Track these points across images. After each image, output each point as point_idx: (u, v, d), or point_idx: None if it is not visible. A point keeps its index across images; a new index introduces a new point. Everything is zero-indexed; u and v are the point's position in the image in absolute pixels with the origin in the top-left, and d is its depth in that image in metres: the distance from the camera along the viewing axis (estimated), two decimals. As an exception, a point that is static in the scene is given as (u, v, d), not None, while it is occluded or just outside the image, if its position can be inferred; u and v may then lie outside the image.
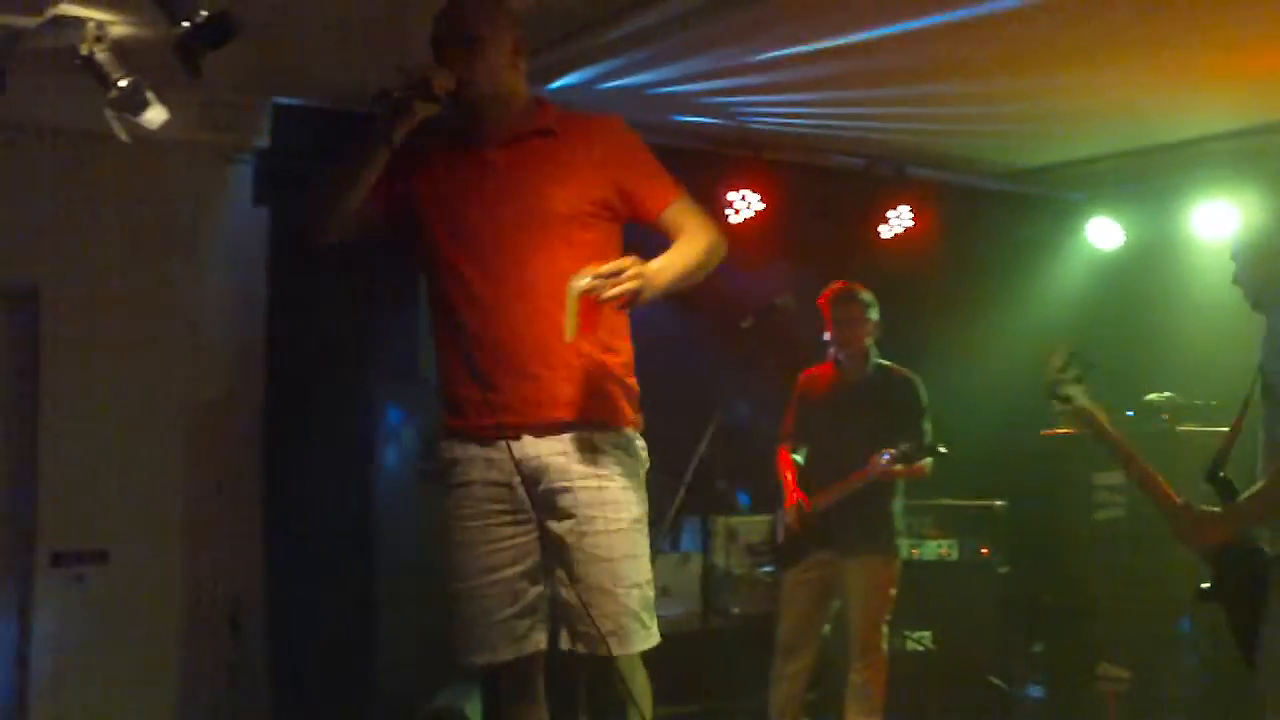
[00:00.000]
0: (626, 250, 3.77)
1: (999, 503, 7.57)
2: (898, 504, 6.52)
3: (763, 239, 7.40)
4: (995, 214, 8.16)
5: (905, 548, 6.73)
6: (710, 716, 6.23)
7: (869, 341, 6.53)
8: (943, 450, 6.31)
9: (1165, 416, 7.45)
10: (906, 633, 7.24)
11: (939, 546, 7.54)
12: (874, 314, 6.53)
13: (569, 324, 3.52)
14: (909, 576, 6.90)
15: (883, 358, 6.58)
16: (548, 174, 3.79)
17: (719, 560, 7.25)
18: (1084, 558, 7.09)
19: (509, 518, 3.79)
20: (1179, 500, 4.36)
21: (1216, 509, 4.30)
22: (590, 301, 3.50)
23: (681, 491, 5.90)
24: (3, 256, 6.07)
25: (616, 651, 3.71)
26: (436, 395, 3.93)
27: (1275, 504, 4.11)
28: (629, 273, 3.51)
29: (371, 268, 5.85)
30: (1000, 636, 7.52)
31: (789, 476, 6.58)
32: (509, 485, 3.77)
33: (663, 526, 5.41)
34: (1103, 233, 8.38)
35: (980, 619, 7.39)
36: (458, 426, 3.83)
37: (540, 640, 3.83)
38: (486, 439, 3.77)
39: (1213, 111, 6.87)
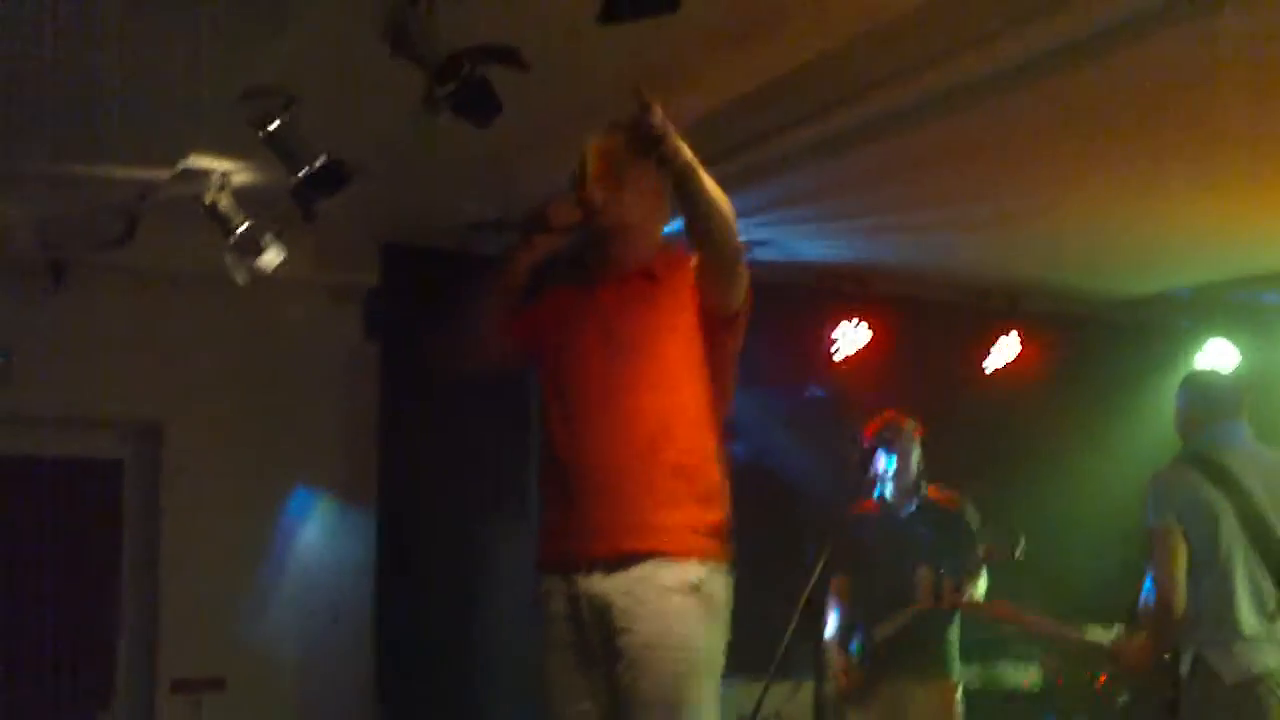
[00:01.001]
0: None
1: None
2: (954, 631, 6.46)
3: (868, 373, 7.43)
4: (1104, 343, 8.10)
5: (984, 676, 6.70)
6: None
7: (916, 472, 6.51)
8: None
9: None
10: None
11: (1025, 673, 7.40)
12: (918, 445, 6.49)
13: (587, 181, 3.66)
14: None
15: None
16: (648, 322, 3.78)
17: (831, 687, 7.15)
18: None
19: (582, 655, 3.76)
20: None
21: None
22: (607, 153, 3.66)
23: (795, 618, 5.88)
24: (131, 393, 6.35)
25: None
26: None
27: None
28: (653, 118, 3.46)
29: (482, 406, 5.97)
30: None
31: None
32: (580, 622, 3.75)
33: (777, 653, 5.38)
34: (1217, 357, 8.27)
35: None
36: (543, 557, 3.81)
37: None
38: (566, 572, 3.77)
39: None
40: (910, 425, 6.49)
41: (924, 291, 7.84)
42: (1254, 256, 7.25)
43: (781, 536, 6.83)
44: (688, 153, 3.50)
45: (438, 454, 6.44)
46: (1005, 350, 7.90)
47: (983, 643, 7.16)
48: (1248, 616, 4.83)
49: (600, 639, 3.63)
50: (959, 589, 6.23)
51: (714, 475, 3.79)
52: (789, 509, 7.20)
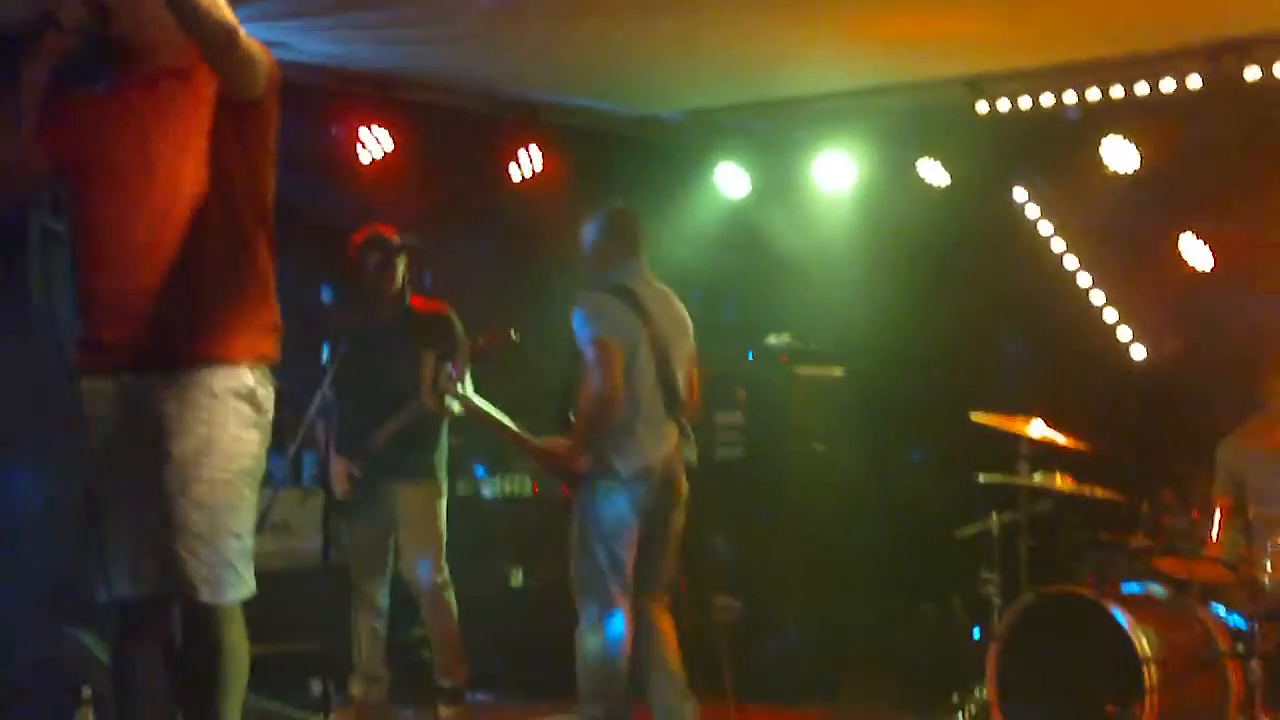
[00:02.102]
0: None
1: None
2: (444, 439, 6.69)
3: (393, 180, 7.39)
4: (626, 160, 8.30)
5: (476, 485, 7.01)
6: (329, 653, 6.23)
7: (400, 282, 6.60)
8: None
9: (783, 359, 7.78)
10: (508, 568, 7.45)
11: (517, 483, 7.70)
12: (401, 255, 6.57)
13: None
14: (501, 513, 7.12)
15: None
16: (178, 127, 3.70)
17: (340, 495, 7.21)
18: (701, 495, 7.34)
19: (132, 454, 3.71)
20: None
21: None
22: None
23: (303, 427, 5.88)
24: None
25: (208, 600, 3.68)
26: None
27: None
28: None
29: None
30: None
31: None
32: (131, 422, 3.70)
33: (284, 460, 5.37)
34: (730, 180, 8.61)
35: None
36: (86, 360, 3.73)
37: (164, 583, 3.71)
38: (110, 373, 3.70)
39: (836, 69, 7.19)
40: (398, 238, 6.56)
41: (447, 99, 7.81)
42: (773, 83, 7.53)
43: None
44: None
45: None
46: (529, 162, 8.00)
47: (472, 453, 7.36)
48: (646, 424, 5.58)
49: (149, 442, 3.64)
50: (452, 379, 6.35)
51: (258, 278, 3.80)
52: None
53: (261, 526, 5.76)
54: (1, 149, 3.64)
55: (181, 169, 3.68)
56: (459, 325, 6.61)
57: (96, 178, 3.70)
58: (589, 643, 5.64)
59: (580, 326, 5.61)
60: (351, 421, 6.51)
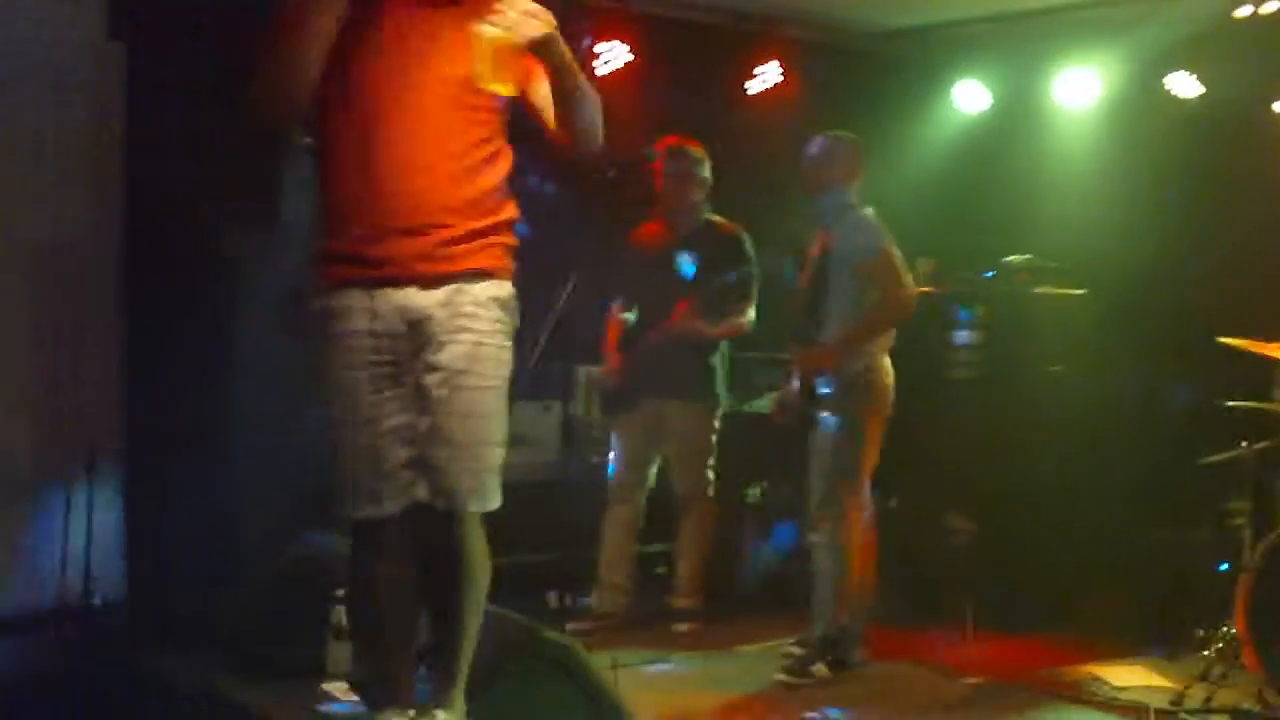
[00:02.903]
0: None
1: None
2: (717, 357, 6.74)
3: (629, 93, 7.36)
4: (864, 76, 8.16)
5: (733, 401, 7.00)
6: (566, 565, 6.32)
7: (699, 197, 6.62)
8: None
9: (1023, 278, 7.59)
10: (745, 486, 7.42)
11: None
12: (704, 170, 6.64)
13: (482, 71, 3.68)
14: (746, 430, 7.08)
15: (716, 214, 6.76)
16: (450, 37, 3.76)
17: (579, 409, 7.29)
18: (936, 415, 7.22)
19: (392, 369, 3.78)
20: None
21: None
22: (503, 48, 3.66)
23: (543, 339, 5.94)
24: None
25: (474, 508, 3.78)
26: (316, 246, 3.88)
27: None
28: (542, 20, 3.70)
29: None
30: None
31: (610, 335, 6.79)
32: (391, 336, 3.76)
33: (525, 371, 5.45)
34: (968, 96, 8.44)
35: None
36: (341, 275, 3.79)
37: (420, 493, 3.79)
38: (371, 288, 3.76)
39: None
40: (697, 151, 6.64)
41: (685, 13, 7.75)
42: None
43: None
44: (570, 56, 3.81)
45: (188, 165, 6.17)
46: (766, 76, 7.91)
47: (743, 370, 7.33)
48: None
49: (411, 353, 3.74)
50: (730, 313, 6.53)
51: (508, 192, 3.90)
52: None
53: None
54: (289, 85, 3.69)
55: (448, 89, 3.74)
56: (751, 250, 6.64)
57: (378, 97, 3.73)
58: (832, 548, 5.78)
59: (868, 236, 5.87)
60: (634, 331, 6.64)
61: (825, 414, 5.86)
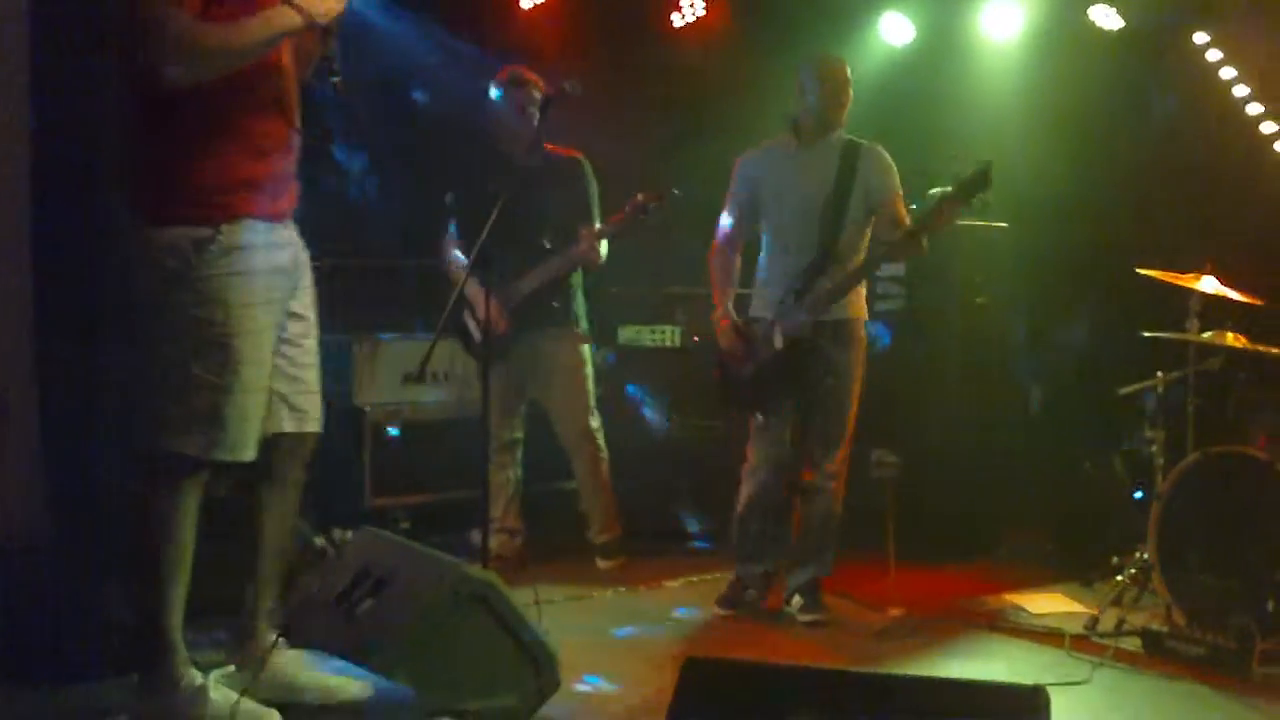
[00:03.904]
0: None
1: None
2: (580, 290, 6.75)
3: (552, 28, 7.32)
4: (788, 7, 8.12)
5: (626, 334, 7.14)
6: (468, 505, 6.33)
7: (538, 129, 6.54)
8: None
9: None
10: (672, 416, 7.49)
11: (662, 334, 7.68)
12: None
13: None
14: (649, 362, 7.21)
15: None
16: None
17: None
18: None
19: (284, 305, 3.79)
20: None
21: None
22: None
23: (463, 275, 5.88)
24: None
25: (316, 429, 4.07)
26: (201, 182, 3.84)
27: None
28: None
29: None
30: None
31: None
32: (288, 271, 3.77)
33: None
34: (894, 29, 8.43)
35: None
36: (246, 211, 3.77)
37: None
38: (273, 222, 3.76)
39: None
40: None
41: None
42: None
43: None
44: None
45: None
46: (690, 8, 7.89)
47: (622, 306, 7.34)
48: None
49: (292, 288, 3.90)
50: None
51: None
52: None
53: (421, 376, 5.89)
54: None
55: None
56: (591, 173, 6.60)
57: None
58: (838, 493, 5.91)
59: (892, 175, 5.96)
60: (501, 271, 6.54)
61: (841, 355, 5.84)
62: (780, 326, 5.80)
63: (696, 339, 7.55)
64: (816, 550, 5.96)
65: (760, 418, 5.93)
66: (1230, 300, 5.97)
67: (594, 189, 6.63)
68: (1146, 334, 6.25)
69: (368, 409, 6.80)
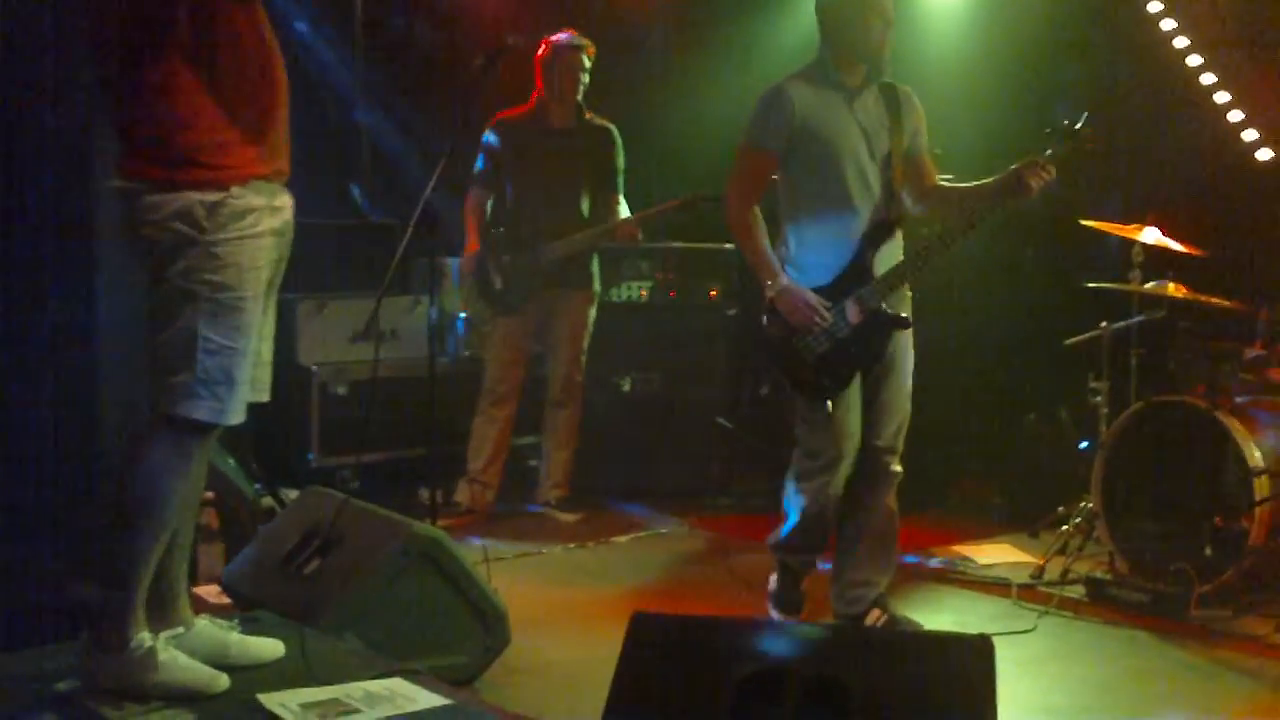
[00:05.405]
0: None
1: (729, 246, 7.22)
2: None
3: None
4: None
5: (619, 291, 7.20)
6: (437, 460, 6.31)
7: (580, 93, 6.61)
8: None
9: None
10: (632, 374, 7.46)
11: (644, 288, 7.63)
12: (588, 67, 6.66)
13: None
14: (631, 319, 7.18)
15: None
16: None
17: (447, 304, 7.25)
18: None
19: (278, 268, 3.81)
20: None
21: None
22: None
23: (408, 233, 5.89)
24: None
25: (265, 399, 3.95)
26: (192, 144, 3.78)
27: None
28: None
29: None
30: (730, 379, 7.74)
31: (470, 224, 6.79)
32: (283, 234, 3.77)
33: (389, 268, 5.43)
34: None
35: (708, 362, 7.56)
36: (252, 173, 3.74)
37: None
38: (274, 182, 3.75)
39: None
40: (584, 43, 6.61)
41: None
42: None
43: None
44: None
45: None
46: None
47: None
48: None
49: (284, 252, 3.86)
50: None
51: None
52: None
53: (368, 334, 5.89)
54: None
55: None
56: (620, 144, 6.74)
57: None
58: None
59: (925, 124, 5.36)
60: (519, 227, 6.68)
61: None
62: (856, 298, 5.00)
63: (674, 295, 7.57)
64: (887, 551, 5.29)
65: (830, 406, 5.05)
66: (1172, 251, 6.01)
67: (622, 160, 6.78)
68: (1090, 285, 6.29)
69: (314, 368, 6.78)
